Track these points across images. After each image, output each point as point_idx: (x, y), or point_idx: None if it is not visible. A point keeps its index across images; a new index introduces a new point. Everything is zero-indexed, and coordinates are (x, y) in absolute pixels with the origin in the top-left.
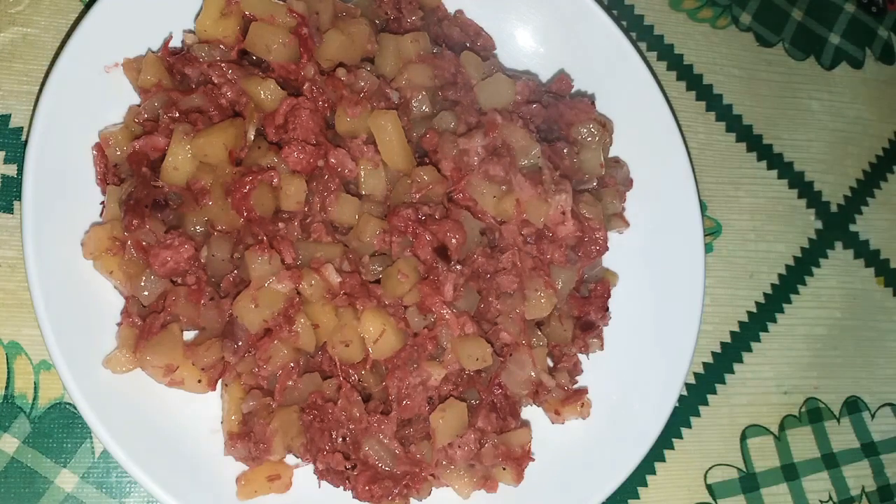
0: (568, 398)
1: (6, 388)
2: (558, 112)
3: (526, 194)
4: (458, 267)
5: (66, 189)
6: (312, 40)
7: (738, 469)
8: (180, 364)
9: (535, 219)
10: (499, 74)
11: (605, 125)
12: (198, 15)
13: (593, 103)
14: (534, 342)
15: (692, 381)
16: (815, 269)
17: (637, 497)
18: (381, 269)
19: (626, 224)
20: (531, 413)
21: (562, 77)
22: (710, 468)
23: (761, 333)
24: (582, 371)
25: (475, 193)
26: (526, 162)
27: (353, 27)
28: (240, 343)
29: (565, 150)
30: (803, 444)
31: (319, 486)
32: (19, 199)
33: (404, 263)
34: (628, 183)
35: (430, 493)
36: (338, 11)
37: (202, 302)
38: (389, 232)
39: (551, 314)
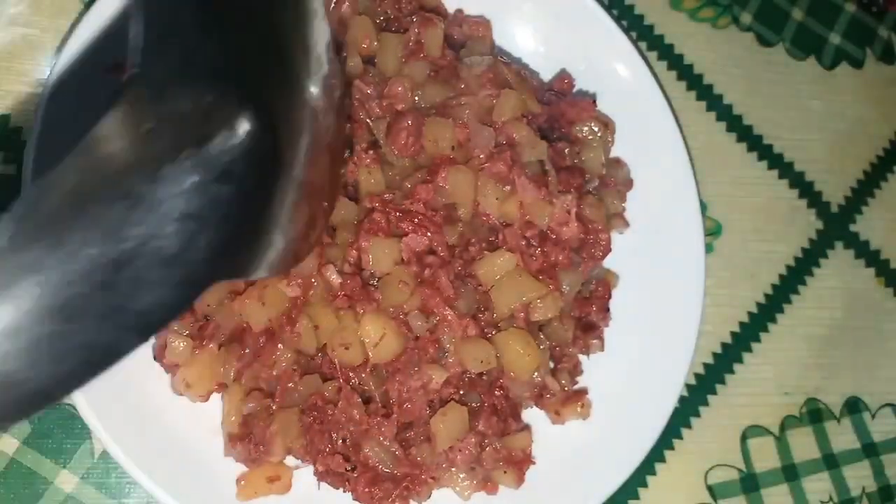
0: (568, 399)
1: None
2: (560, 110)
3: (530, 196)
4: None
5: None
6: None
7: (739, 469)
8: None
9: (539, 220)
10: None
11: (607, 124)
12: None
13: (595, 102)
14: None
15: (692, 381)
16: (815, 270)
17: (637, 497)
18: None
19: (626, 224)
20: (531, 414)
21: (563, 76)
22: (710, 468)
23: (762, 334)
24: (582, 372)
25: (479, 194)
26: (530, 159)
27: (351, 26)
28: (247, 350)
29: (566, 151)
30: (804, 445)
31: (319, 488)
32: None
33: (400, 272)
34: (628, 183)
35: (430, 496)
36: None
37: None
38: None
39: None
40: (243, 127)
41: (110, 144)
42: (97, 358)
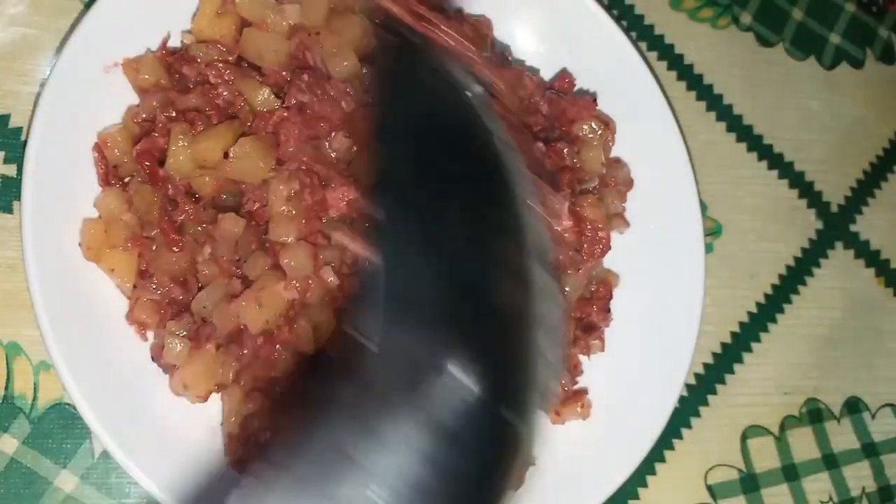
0: (568, 399)
1: (6, 388)
2: (560, 109)
3: None
4: None
5: (65, 189)
6: (306, 48)
7: (739, 470)
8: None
9: None
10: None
11: (607, 123)
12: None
13: (595, 101)
14: None
15: (692, 381)
16: (815, 270)
17: (637, 498)
18: None
19: (627, 224)
20: None
21: (564, 75)
22: (710, 469)
23: (761, 334)
24: (582, 372)
25: None
26: None
27: (345, 23)
28: (245, 351)
29: (565, 151)
30: (804, 445)
31: None
32: (19, 200)
33: None
34: (628, 183)
35: None
36: (333, 7)
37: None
38: None
39: None
40: (454, 379)
41: (338, 411)
42: None
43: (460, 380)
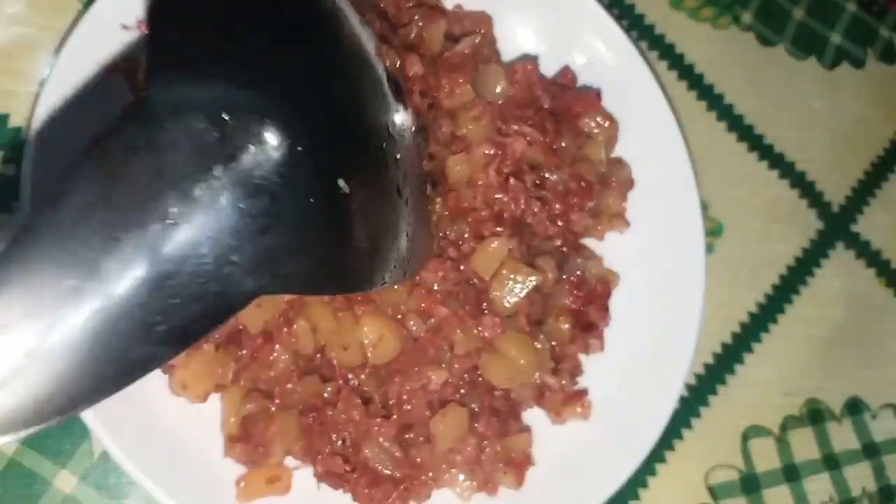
0: (569, 399)
1: None
2: (565, 104)
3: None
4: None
5: None
6: None
7: (739, 470)
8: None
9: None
10: (491, 65)
11: (611, 119)
12: None
13: (599, 95)
14: (536, 345)
15: (692, 381)
16: (816, 270)
17: (637, 498)
18: None
19: (627, 224)
20: (531, 415)
21: (565, 71)
22: (710, 469)
23: (762, 334)
24: (582, 372)
25: (465, 198)
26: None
27: None
28: (244, 351)
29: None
30: (804, 445)
31: (318, 489)
32: (17, 200)
33: None
34: (629, 183)
35: (429, 497)
36: None
37: None
38: None
39: (549, 313)
40: (271, 140)
41: (130, 163)
42: (132, 368)
43: (280, 146)
